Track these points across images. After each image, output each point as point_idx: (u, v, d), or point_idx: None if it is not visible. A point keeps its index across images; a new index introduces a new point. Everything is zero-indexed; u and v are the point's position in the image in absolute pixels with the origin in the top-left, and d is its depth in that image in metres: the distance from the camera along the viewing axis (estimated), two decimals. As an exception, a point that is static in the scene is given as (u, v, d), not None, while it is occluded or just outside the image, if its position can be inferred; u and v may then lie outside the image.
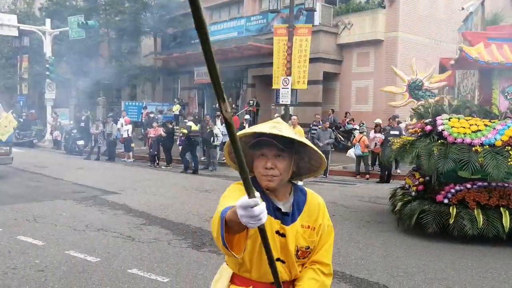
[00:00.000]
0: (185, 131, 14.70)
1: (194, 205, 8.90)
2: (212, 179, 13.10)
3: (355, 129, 17.88)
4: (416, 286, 4.84)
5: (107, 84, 27.34)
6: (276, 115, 17.40)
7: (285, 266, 1.92)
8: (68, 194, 9.83)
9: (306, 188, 2.04)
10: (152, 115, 21.08)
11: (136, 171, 14.66)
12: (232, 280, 1.99)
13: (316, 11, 18.27)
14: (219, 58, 23.17)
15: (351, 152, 14.13)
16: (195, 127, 15.18)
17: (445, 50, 21.77)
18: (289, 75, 16.40)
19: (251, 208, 1.39)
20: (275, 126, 1.83)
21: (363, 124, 17.13)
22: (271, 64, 17.99)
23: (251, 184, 1.40)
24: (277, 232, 1.89)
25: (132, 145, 18.09)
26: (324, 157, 1.98)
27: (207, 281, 4.73)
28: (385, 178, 12.90)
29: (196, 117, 20.02)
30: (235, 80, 25.45)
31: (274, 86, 17.49)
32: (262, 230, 1.52)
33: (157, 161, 16.45)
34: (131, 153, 17.85)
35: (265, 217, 1.43)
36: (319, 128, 14.77)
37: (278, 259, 1.87)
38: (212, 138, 14.77)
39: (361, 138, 14.03)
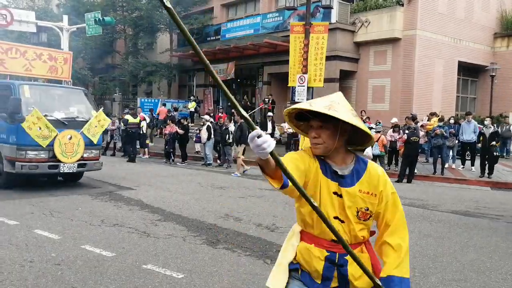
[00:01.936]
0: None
1: (209, 201, 8.88)
2: (227, 176, 13.09)
3: (371, 128, 17.70)
4: (433, 287, 4.75)
5: (123, 81, 27.52)
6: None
7: (344, 226, 2.12)
8: (84, 189, 9.90)
9: (369, 161, 2.24)
10: (170, 114, 21.14)
11: (151, 168, 14.72)
12: (301, 237, 2.24)
13: (333, 8, 18.11)
14: (235, 55, 23.16)
15: (368, 151, 13.97)
16: (132, 120, 16.49)
17: (464, 49, 21.48)
18: (305, 73, 16.30)
19: (256, 139, 1.69)
20: (314, 102, 2.10)
21: (379, 123, 16.96)
22: (287, 61, 17.91)
23: (252, 123, 1.71)
24: (335, 193, 2.12)
25: (147, 141, 18.18)
26: (367, 129, 2.12)
27: (222, 277, 4.69)
28: (402, 177, 12.75)
29: (211, 114, 20.02)
30: (251, 77, 25.42)
31: (290, 84, 17.42)
32: (276, 159, 1.77)
33: (173, 158, 16.51)
34: (146, 149, 17.94)
35: (269, 147, 1.70)
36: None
37: (336, 217, 2.12)
38: (227, 135, 14.77)
39: (379, 137, 13.87)
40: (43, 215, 7.18)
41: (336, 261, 2.13)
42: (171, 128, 16.32)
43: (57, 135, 9.07)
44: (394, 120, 15.09)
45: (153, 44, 28.45)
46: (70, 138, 9.30)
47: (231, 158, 15.26)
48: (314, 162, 2.15)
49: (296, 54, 17.01)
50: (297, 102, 17.06)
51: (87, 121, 9.76)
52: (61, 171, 9.34)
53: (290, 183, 1.88)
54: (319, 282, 2.17)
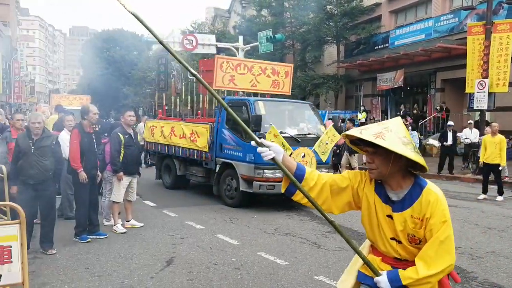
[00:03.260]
0: None
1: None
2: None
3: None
4: None
5: (292, 95, 28.52)
6: (469, 121, 15.85)
7: (401, 246, 2.27)
8: (256, 198, 10.53)
9: (428, 185, 2.22)
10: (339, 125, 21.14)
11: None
12: (371, 250, 2.47)
13: (520, 3, 16.04)
14: (404, 62, 22.19)
15: None
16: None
17: None
18: (486, 77, 14.78)
19: (257, 148, 2.33)
20: (367, 128, 2.21)
21: None
22: (463, 66, 16.49)
23: (252, 135, 2.32)
24: (388, 216, 2.27)
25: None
26: (417, 157, 2.10)
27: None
28: None
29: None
30: (422, 84, 24.05)
31: (468, 90, 15.96)
32: (275, 161, 2.31)
33: (340, 170, 16.50)
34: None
35: (268, 155, 2.29)
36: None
37: (393, 238, 2.28)
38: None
39: None
40: (224, 221, 7.86)
41: None
42: (339, 140, 16.32)
43: (291, 153, 8.49)
44: None
45: (320, 56, 28.98)
46: (304, 156, 8.74)
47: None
48: (370, 184, 2.33)
49: (475, 57, 15.53)
50: (477, 110, 15.56)
51: (317, 138, 9.13)
52: None
53: (297, 192, 2.35)
54: None
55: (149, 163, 12.96)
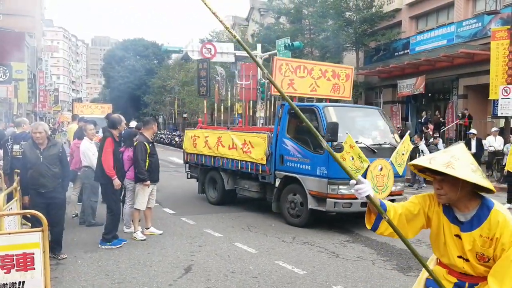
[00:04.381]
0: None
1: (399, 224, 8.50)
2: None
3: None
4: None
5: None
6: (494, 129, 15.55)
7: (468, 264, 2.36)
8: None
9: (495, 206, 2.31)
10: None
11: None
12: (439, 262, 2.57)
13: (545, 6, 15.69)
14: (425, 68, 21.94)
15: None
16: None
17: None
18: (510, 83, 14.50)
19: (354, 186, 2.33)
20: (434, 158, 2.30)
21: None
22: (487, 72, 16.21)
23: (350, 172, 2.34)
24: (456, 235, 2.37)
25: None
26: (486, 183, 2.21)
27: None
28: None
29: (400, 132, 19.26)
30: (444, 91, 23.72)
31: (491, 97, 15.68)
32: (369, 198, 2.34)
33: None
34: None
35: (364, 192, 2.30)
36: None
37: (460, 257, 2.37)
38: (417, 154, 13.99)
39: None
40: (241, 229, 7.87)
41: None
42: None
43: (368, 166, 7.47)
44: None
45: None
46: (381, 169, 7.65)
47: (421, 178, 14.38)
48: (438, 207, 2.44)
49: (499, 63, 15.26)
50: (501, 117, 15.27)
51: (392, 148, 8.11)
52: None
53: (380, 225, 2.44)
54: None
55: (189, 175, 11.48)
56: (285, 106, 8.55)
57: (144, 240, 6.99)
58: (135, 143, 7.27)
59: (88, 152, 7.79)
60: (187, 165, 11.40)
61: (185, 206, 10.09)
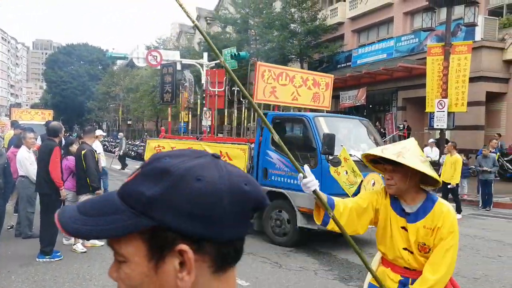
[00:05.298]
0: None
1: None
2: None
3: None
4: None
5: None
6: (431, 140, 16.33)
7: (413, 256, 2.47)
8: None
9: (439, 199, 2.53)
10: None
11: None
12: (382, 262, 2.67)
13: (477, 25, 16.62)
14: (367, 81, 22.75)
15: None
16: None
17: None
18: (445, 97, 15.30)
19: (301, 180, 2.36)
20: (386, 148, 2.49)
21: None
22: (424, 85, 17.02)
23: (297, 165, 2.27)
24: (403, 227, 2.49)
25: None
26: (433, 173, 2.38)
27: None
28: None
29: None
30: (384, 103, 24.68)
31: (428, 110, 16.45)
32: (316, 193, 2.38)
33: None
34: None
35: (312, 186, 2.35)
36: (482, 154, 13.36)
37: (405, 249, 2.48)
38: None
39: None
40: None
41: (410, 284, 2.47)
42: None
43: (362, 181, 6.89)
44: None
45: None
46: (374, 184, 7.34)
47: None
48: (385, 199, 2.57)
49: (434, 78, 16.08)
50: (437, 129, 16.06)
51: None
52: None
53: (330, 221, 2.44)
54: None
55: None
56: (268, 115, 8.07)
57: (85, 252, 6.74)
58: (71, 152, 7.11)
59: (25, 162, 7.42)
60: None
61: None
